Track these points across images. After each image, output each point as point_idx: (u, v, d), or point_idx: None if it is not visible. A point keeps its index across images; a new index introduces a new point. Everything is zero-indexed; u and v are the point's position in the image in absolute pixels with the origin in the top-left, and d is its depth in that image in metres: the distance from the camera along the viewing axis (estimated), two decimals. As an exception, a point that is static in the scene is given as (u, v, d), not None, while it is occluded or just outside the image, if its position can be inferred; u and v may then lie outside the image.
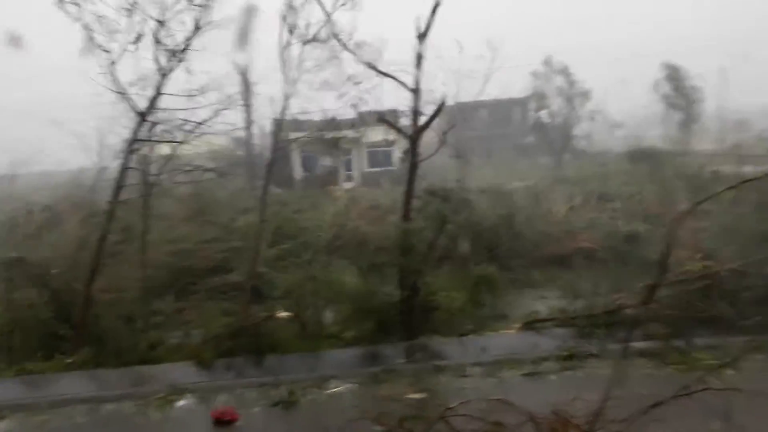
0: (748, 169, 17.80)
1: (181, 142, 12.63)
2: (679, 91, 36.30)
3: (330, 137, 19.84)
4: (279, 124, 13.98)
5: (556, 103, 39.45)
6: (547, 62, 38.52)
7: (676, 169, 21.66)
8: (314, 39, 11.72)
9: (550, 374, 9.83)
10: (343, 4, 11.50)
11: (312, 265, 13.44)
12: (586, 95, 38.12)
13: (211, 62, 11.62)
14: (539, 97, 39.74)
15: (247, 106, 17.64)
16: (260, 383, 10.09)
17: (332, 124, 19.07)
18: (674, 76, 36.36)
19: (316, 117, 17.13)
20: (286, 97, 12.48)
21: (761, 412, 6.73)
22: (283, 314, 11.87)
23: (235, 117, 14.07)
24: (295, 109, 13.13)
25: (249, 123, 27.52)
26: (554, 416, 4.64)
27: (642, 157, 26.69)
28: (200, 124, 12.20)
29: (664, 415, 4.85)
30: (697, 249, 12.27)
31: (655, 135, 32.96)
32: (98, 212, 13.54)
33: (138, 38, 11.16)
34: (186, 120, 12.21)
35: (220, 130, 13.37)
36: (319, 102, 13.97)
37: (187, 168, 14.13)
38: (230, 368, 10.60)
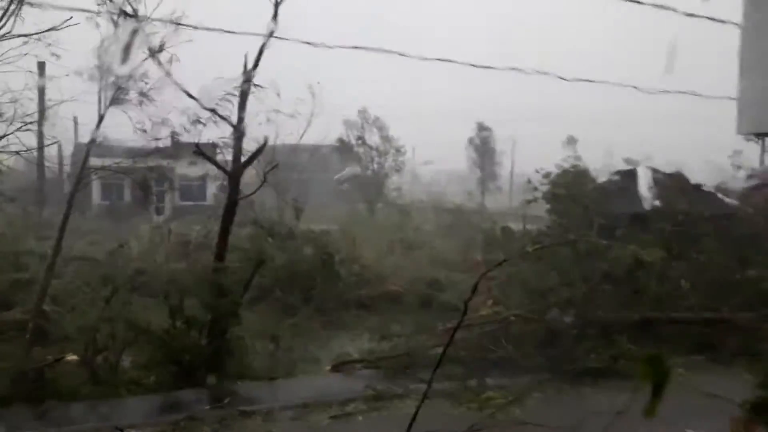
0: (530, 227, 20.33)
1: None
2: (482, 152, 40.40)
3: (140, 166, 18.59)
4: (84, 148, 12.85)
5: (368, 154, 41.47)
6: (362, 113, 40.43)
7: (474, 224, 23.92)
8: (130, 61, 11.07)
9: (357, 415, 10.05)
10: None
11: (110, 304, 12.32)
12: (398, 150, 40.69)
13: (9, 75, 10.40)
14: (348, 147, 41.50)
15: (41, 124, 15.93)
16: (37, 437, 8.88)
17: (143, 152, 17.97)
18: (482, 138, 40.44)
19: (126, 143, 16.07)
20: (96, 120, 11.60)
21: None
22: (74, 357, 10.66)
23: (27, 136, 12.58)
24: (102, 132, 12.25)
25: (43, 144, 24.76)
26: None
27: (445, 210, 29.10)
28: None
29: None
30: (489, 296, 13.65)
31: (458, 191, 36.24)
32: None
33: None
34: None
35: (6, 149, 11.94)
36: (130, 128, 13.15)
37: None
38: (2, 420, 9.17)
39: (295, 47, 11.15)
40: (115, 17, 10.60)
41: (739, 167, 18.02)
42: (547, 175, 15.58)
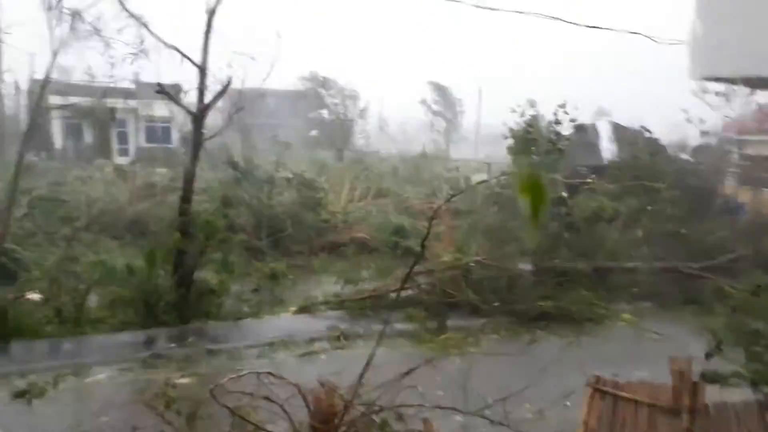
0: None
1: None
2: (443, 105, 40.52)
3: (102, 106, 18.15)
4: (41, 85, 12.47)
5: (332, 103, 41.16)
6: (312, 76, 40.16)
7: (437, 173, 24.13)
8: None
9: (321, 354, 10.41)
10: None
11: (72, 244, 12.29)
12: (354, 98, 40.48)
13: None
14: (315, 96, 41.21)
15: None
16: (2, 373, 8.97)
17: (105, 91, 17.52)
18: (440, 90, 40.52)
19: (87, 81, 15.62)
20: (52, 55, 11.22)
21: (489, 372, 7.96)
22: (35, 296, 10.67)
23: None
24: (61, 69, 11.90)
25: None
26: (320, 387, 4.99)
27: (412, 159, 29.25)
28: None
29: (415, 383, 5.40)
30: (451, 243, 14.01)
31: (423, 141, 36.34)
32: None
33: None
34: None
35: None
36: (92, 66, 12.79)
37: None
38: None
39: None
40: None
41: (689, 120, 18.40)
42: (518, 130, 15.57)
